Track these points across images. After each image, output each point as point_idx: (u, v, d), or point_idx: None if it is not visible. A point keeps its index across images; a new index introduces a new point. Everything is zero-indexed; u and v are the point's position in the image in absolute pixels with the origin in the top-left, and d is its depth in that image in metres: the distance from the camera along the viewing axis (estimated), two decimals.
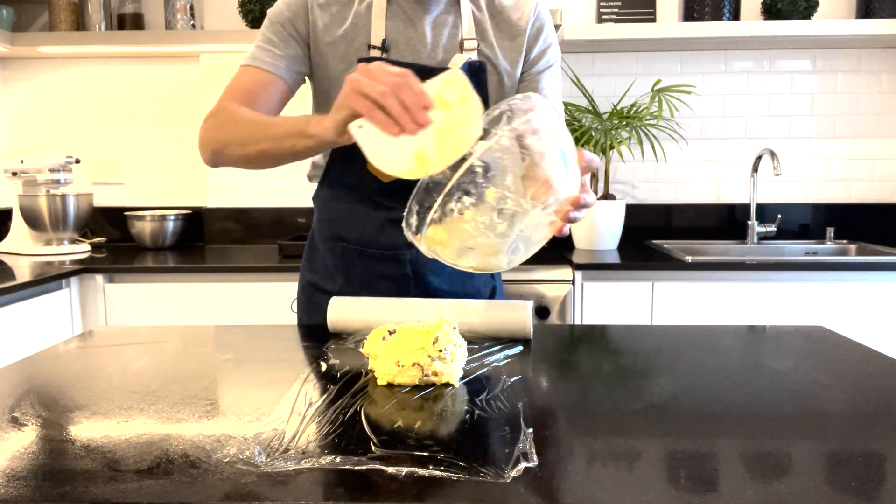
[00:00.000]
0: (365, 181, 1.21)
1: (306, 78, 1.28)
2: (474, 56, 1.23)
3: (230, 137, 1.14)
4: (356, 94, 0.85)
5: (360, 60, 1.18)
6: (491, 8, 1.26)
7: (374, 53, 1.20)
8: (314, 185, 1.36)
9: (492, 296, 1.38)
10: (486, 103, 1.25)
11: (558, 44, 1.32)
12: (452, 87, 0.88)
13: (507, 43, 1.26)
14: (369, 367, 0.90)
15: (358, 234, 1.27)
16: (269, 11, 1.24)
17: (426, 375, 0.85)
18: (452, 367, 0.87)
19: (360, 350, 0.97)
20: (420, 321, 0.95)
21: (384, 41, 1.20)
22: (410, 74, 0.85)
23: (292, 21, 1.21)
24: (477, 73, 1.23)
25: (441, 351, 0.85)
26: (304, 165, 1.33)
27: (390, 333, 0.90)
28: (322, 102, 1.27)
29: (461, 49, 1.22)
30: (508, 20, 1.26)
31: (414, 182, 0.89)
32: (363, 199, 1.26)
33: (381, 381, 0.86)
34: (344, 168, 1.26)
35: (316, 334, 1.12)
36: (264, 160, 1.11)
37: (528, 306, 1.07)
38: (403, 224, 0.87)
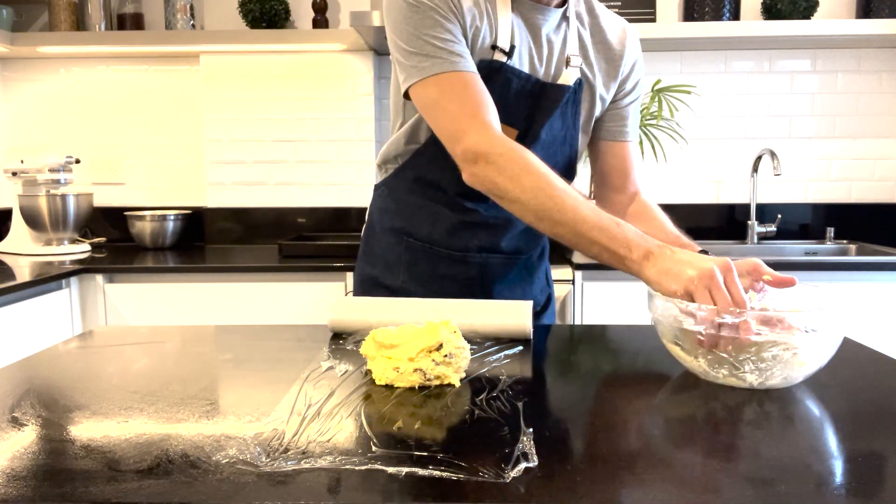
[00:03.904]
0: (447, 179, 1.19)
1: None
2: (578, 73, 1.21)
3: (522, 197, 1.02)
4: (704, 287, 0.86)
5: (483, 62, 1.13)
6: (592, 27, 1.24)
7: (499, 57, 1.14)
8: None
9: (547, 303, 1.39)
10: (578, 120, 1.23)
11: None
12: None
13: (605, 65, 1.24)
14: (367, 368, 0.90)
15: (427, 231, 1.24)
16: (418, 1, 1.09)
17: (429, 380, 0.85)
18: (456, 368, 0.86)
19: (359, 350, 0.97)
20: (420, 322, 0.94)
21: (512, 47, 1.15)
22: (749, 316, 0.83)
23: (449, 2, 1.11)
24: (576, 91, 1.20)
25: (446, 356, 0.85)
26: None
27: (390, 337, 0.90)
28: None
29: (567, 65, 1.20)
30: (608, 43, 1.24)
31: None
32: (440, 198, 1.22)
33: (379, 382, 0.86)
34: (429, 162, 1.21)
35: (316, 334, 1.12)
36: (553, 238, 1.04)
37: (528, 306, 1.07)
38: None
